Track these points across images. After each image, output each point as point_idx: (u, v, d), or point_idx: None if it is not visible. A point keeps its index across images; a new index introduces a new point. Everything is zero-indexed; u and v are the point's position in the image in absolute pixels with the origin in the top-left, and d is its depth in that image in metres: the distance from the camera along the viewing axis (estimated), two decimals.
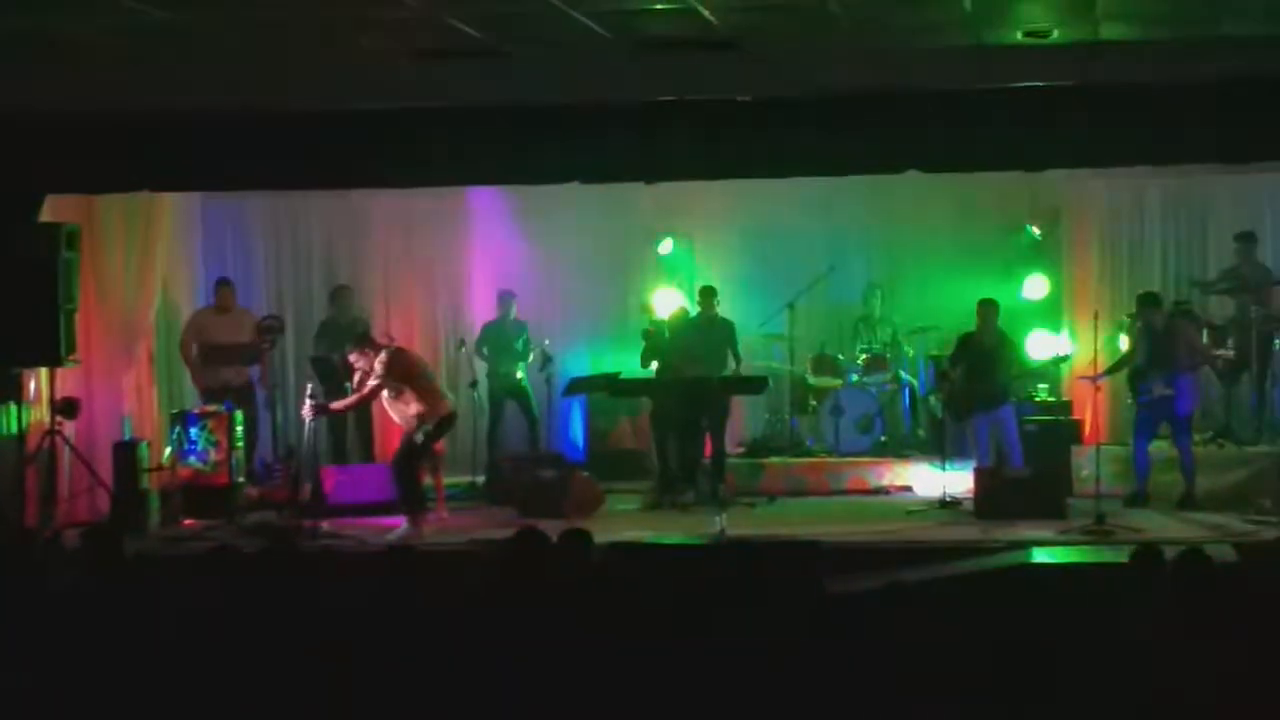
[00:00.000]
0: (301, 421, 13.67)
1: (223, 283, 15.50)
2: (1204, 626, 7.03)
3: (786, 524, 13.31)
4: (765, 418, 16.46)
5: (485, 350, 15.81)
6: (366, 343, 13.52)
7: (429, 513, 13.53)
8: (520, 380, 15.79)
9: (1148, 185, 16.20)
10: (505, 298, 15.89)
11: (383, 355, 13.32)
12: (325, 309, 16.12)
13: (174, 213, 15.46)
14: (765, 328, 16.07)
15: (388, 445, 15.62)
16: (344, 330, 15.14)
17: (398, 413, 13.54)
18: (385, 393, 13.37)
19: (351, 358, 13.47)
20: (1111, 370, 14.10)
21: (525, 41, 10.42)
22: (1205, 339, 14.56)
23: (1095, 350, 13.49)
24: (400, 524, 13.16)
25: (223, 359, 15.02)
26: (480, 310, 16.39)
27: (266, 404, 15.32)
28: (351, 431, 15.60)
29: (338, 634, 7.45)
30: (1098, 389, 14.24)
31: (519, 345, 15.76)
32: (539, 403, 15.78)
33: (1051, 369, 15.16)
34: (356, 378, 13.53)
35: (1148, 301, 13.93)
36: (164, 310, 15.38)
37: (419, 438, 13.38)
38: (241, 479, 14.30)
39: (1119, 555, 10.27)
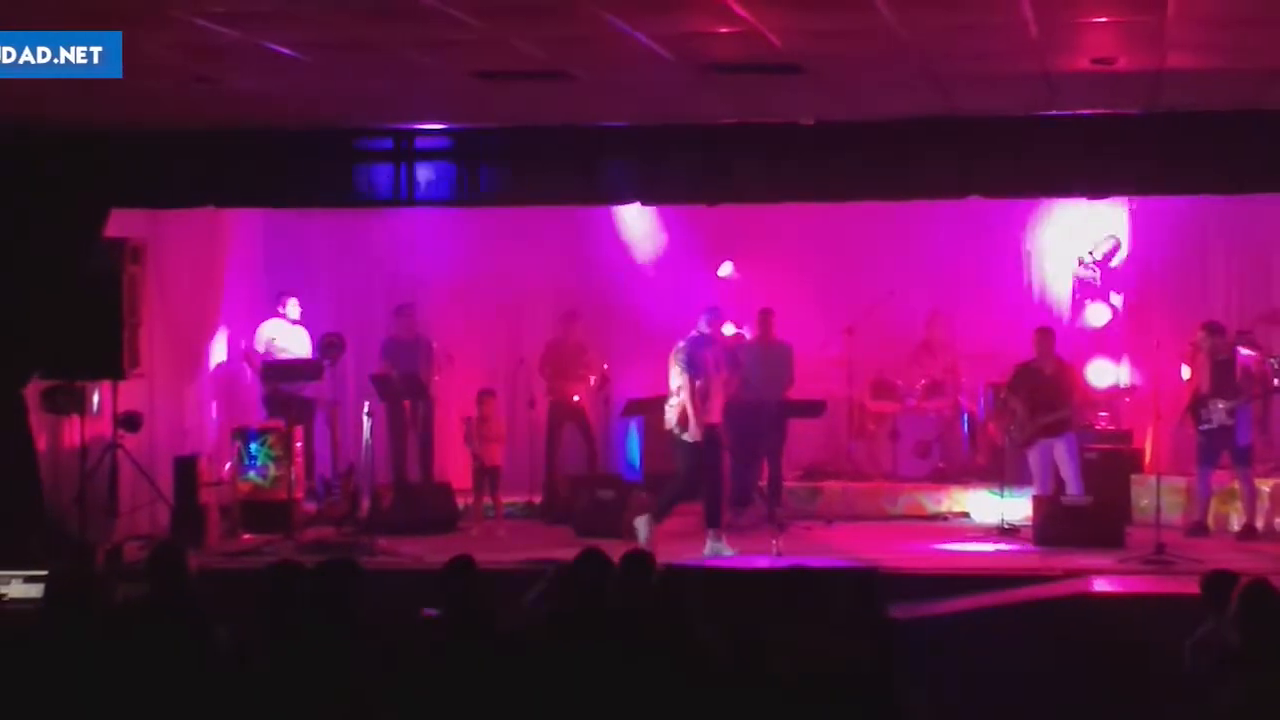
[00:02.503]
0: (361, 438, 13.72)
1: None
2: (1269, 658, 6.99)
3: (843, 549, 13.29)
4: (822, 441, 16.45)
5: (547, 370, 15.78)
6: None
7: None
8: (577, 401, 15.77)
9: (1211, 212, 16.10)
10: (568, 318, 15.87)
11: None
12: (387, 327, 16.14)
13: (238, 228, 15.58)
14: (824, 351, 16.06)
15: (446, 464, 15.65)
16: (407, 348, 15.18)
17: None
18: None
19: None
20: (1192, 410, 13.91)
21: (588, 64, 10.43)
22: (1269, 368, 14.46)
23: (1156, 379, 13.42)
24: None
25: (281, 375, 15.06)
26: (540, 329, 16.38)
27: (327, 420, 15.41)
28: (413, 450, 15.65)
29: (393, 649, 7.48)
30: (1159, 418, 14.12)
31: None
32: (596, 423, 15.77)
33: (1115, 400, 15.07)
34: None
35: (1210, 330, 13.84)
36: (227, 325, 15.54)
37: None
38: (300, 495, 14.37)
39: (1179, 585, 10.22)
